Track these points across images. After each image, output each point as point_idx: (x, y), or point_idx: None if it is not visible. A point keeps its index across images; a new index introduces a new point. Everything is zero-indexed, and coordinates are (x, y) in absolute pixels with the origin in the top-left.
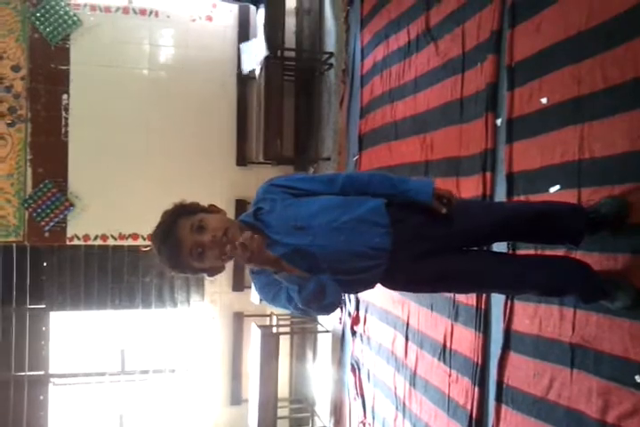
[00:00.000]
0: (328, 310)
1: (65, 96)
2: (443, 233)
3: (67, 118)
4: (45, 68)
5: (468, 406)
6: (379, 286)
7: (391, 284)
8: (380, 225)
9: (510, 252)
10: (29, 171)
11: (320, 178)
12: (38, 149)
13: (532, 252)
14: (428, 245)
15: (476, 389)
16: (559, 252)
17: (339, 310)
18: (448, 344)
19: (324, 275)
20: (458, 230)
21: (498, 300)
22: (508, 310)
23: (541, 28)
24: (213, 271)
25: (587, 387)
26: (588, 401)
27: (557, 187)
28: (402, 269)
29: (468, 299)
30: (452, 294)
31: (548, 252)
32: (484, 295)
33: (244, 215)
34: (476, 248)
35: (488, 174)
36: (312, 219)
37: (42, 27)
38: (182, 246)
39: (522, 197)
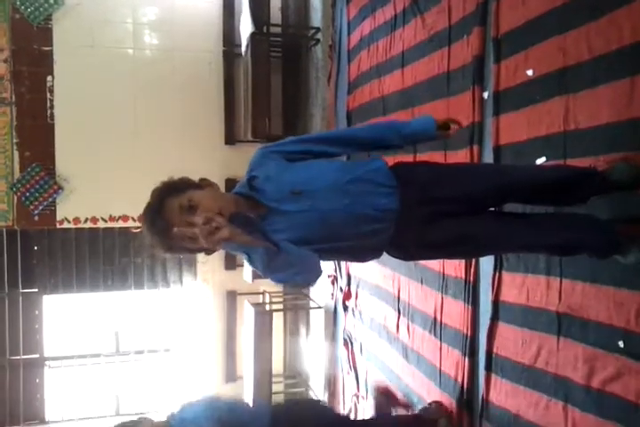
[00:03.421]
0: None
1: (49, 78)
2: (449, 193)
3: (52, 100)
4: (28, 49)
5: (460, 378)
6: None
7: (400, 250)
8: (385, 185)
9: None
10: (16, 155)
11: (315, 137)
12: (24, 132)
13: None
14: (437, 205)
15: (467, 360)
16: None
17: (330, 285)
18: (438, 317)
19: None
20: (465, 192)
21: (486, 272)
22: (496, 282)
23: None
24: (210, 250)
25: (573, 354)
26: (574, 368)
27: (543, 159)
28: (412, 232)
29: (456, 271)
30: (440, 268)
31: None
32: (473, 264)
33: (239, 186)
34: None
35: (475, 147)
36: (311, 183)
37: (23, 7)
38: (172, 229)
39: None
